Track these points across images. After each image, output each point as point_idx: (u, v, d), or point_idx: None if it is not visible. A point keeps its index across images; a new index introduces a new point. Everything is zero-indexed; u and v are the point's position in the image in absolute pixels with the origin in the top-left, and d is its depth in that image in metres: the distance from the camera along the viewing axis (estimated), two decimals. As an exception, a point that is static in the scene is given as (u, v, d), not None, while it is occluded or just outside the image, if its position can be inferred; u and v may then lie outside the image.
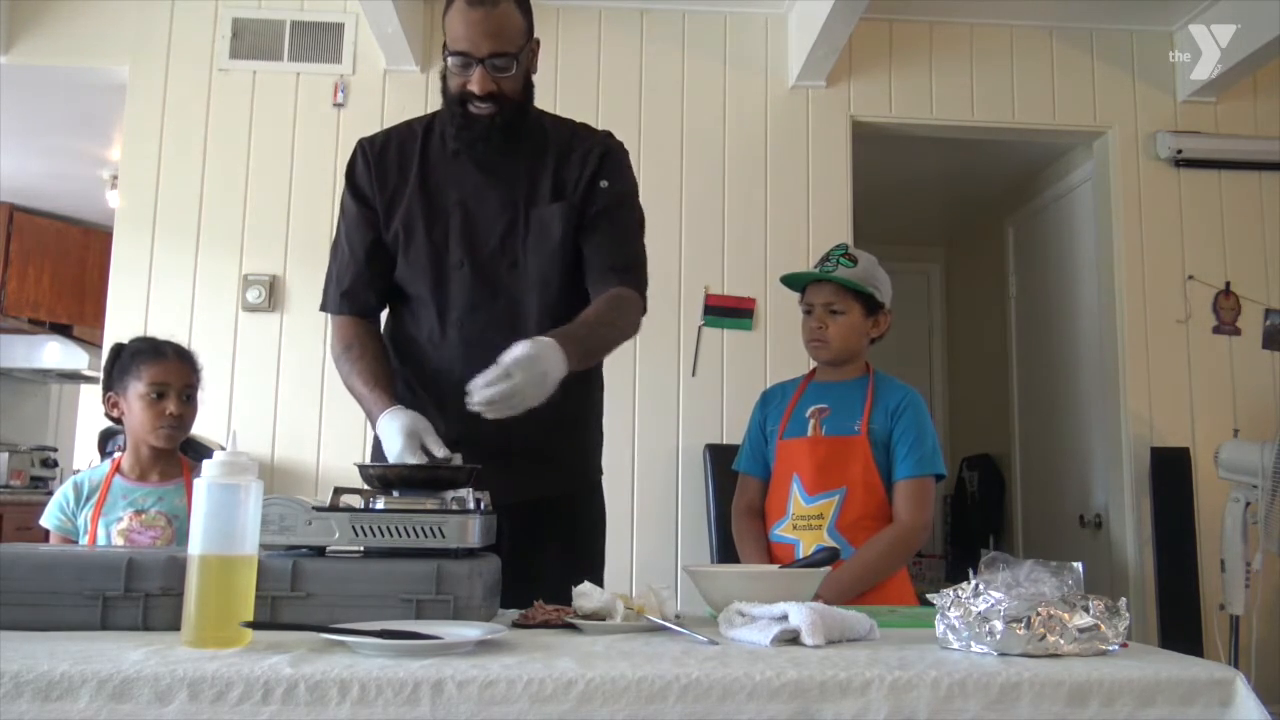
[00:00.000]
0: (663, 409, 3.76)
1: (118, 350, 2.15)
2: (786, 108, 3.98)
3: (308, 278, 3.66)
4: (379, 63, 3.88)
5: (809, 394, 2.15)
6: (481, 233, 1.77)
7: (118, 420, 2.14)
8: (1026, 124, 4.07)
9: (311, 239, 3.67)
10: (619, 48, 3.97)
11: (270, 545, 1.26)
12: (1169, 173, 4.04)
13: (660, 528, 3.71)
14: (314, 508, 1.28)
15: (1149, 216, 4.02)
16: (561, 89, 3.73)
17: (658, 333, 3.61)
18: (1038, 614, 1.09)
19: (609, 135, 1.88)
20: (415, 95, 3.84)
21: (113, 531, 2.04)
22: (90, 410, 3.94)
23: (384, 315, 1.91)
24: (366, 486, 1.41)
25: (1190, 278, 3.97)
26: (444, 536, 1.28)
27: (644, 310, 1.83)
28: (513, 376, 1.47)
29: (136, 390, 2.07)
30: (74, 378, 5.93)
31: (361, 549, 1.29)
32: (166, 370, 2.08)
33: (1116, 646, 1.12)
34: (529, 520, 1.76)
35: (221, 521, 1.09)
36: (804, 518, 2.02)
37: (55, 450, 5.80)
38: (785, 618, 1.18)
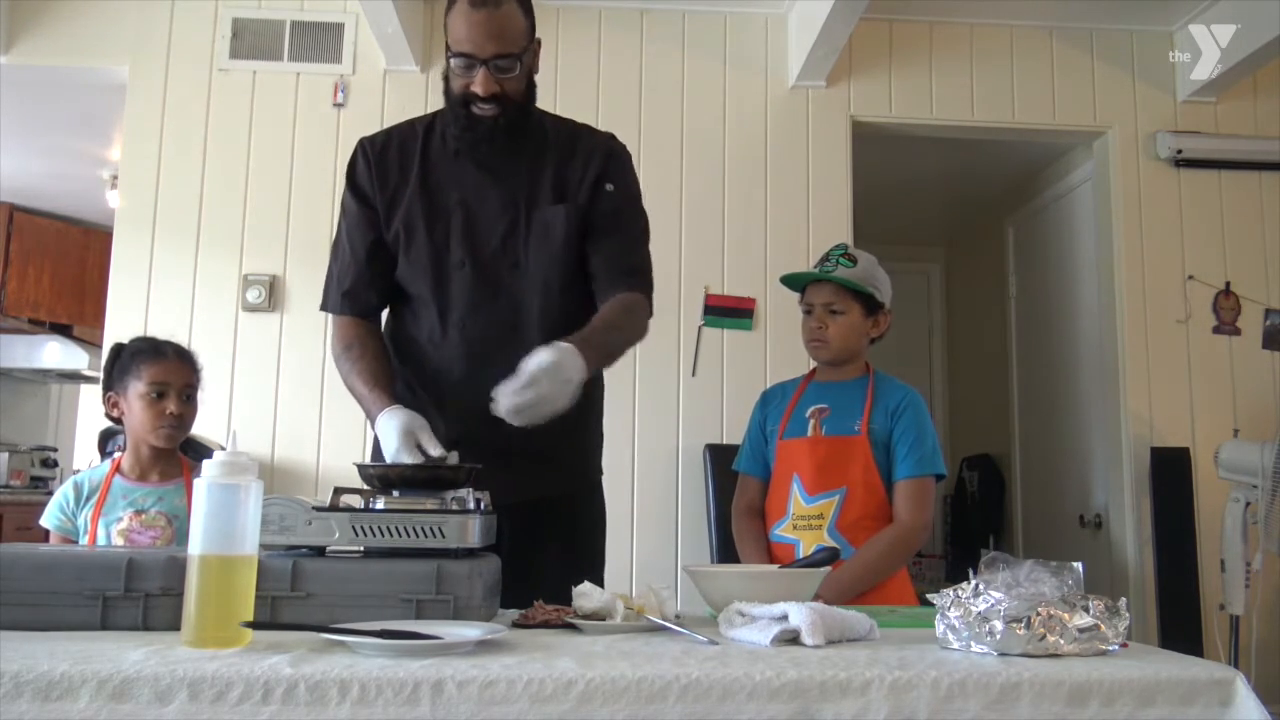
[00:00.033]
0: (663, 409, 3.76)
1: (118, 350, 2.15)
2: (786, 108, 3.98)
3: (308, 278, 3.66)
4: (379, 63, 3.88)
5: (809, 394, 2.15)
6: (483, 233, 1.77)
7: (118, 420, 2.14)
8: (1026, 124, 4.07)
9: (311, 239, 3.67)
10: (619, 48, 3.97)
11: (270, 545, 1.26)
12: (1169, 173, 4.04)
13: (660, 528, 3.71)
14: (314, 508, 1.28)
15: (1149, 216, 4.02)
16: (561, 89, 3.73)
17: (658, 333, 3.55)
18: (1038, 614, 1.09)
19: (611, 137, 1.88)
20: (415, 95, 3.84)
21: (113, 531, 2.04)
22: (90, 410, 3.94)
23: (384, 315, 1.91)
24: (367, 486, 1.41)
25: (1190, 278, 3.97)
26: (444, 536, 1.28)
27: (650, 314, 1.84)
28: (538, 384, 1.48)
29: (136, 390, 2.07)
30: (74, 378, 5.93)
31: (361, 549, 1.29)
32: (166, 370, 2.08)
33: (1116, 646, 1.12)
34: (529, 520, 1.76)
35: (221, 521, 1.09)
36: (804, 518, 2.02)
37: (55, 450, 5.80)
38: (785, 618, 1.18)
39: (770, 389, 2.27)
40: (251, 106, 3.86)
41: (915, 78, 4.03)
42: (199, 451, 2.24)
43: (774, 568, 1.76)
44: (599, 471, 1.95)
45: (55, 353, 5.74)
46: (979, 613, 1.11)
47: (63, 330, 5.86)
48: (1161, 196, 4.03)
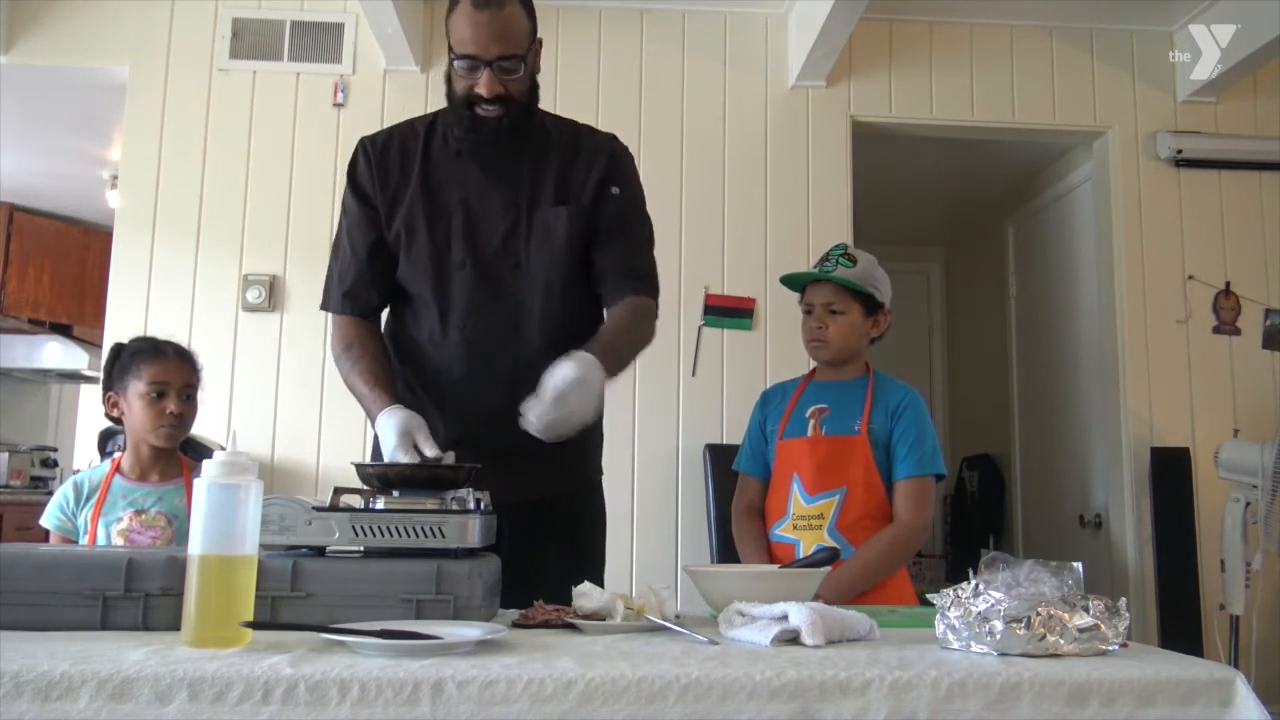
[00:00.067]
0: (663, 409, 3.76)
1: (118, 350, 2.16)
2: (786, 108, 3.98)
3: (308, 278, 3.66)
4: (379, 63, 3.88)
5: (809, 394, 2.15)
6: (484, 233, 1.77)
7: (118, 420, 2.14)
8: (1026, 124, 4.07)
9: (311, 239, 3.67)
10: (619, 48, 3.97)
11: (270, 545, 1.26)
12: (1169, 173, 4.04)
13: (660, 528, 3.71)
14: (314, 508, 1.28)
15: (1149, 216, 4.02)
16: (561, 89, 3.73)
17: (658, 333, 3.60)
18: (1038, 614, 1.09)
19: (613, 138, 1.88)
20: (415, 95, 3.84)
21: (113, 531, 2.04)
22: (90, 410, 3.94)
23: (385, 315, 1.91)
24: (366, 486, 1.41)
25: (1190, 278, 3.97)
26: (444, 536, 1.28)
27: (657, 317, 1.85)
28: (567, 400, 1.49)
29: (137, 390, 2.07)
30: (74, 378, 5.93)
31: (361, 549, 1.29)
32: (166, 369, 2.08)
33: (1116, 646, 1.12)
34: (529, 520, 1.76)
35: (221, 521, 1.09)
36: (804, 518, 2.02)
37: (55, 450, 5.80)
38: (785, 618, 1.18)
39: (770, 389, 2.27)
40: (251, 106, 3.86)
41: (915, 78, 4.03)
42: (199, 451, 2.24)
43: (774, 568, 1.76)
44: (599, 471, 1.95)
45: (55, 353, 5.74)
46: (979, 613, 1.11)
47: (63, 330, 5.86)
48: (1161, 196, 4.03)
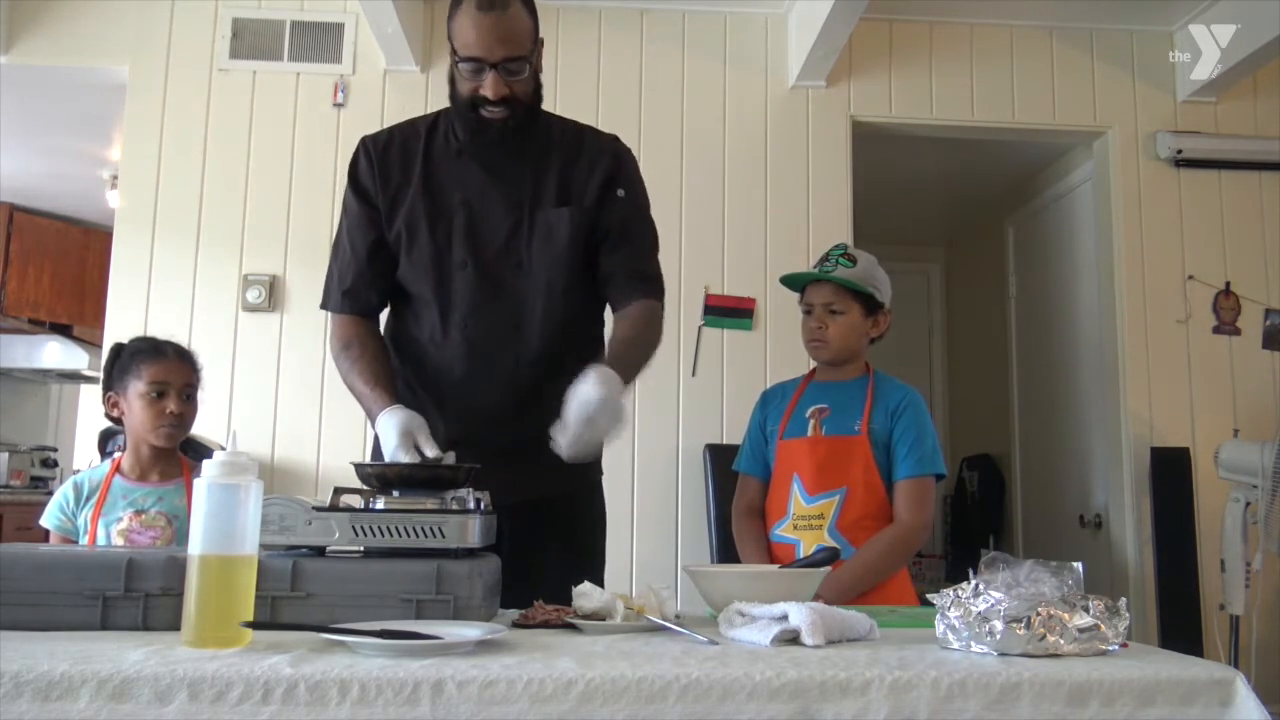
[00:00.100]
0: (663, 409, 3.76)
1: (118, 350, 2.16)
2: (786, 108, 3.98)
3: (308, 278, 3.66)
4: (379, 63, 3.88)
5: (809, 394, 2.15)
6: (486, 233, 1.77)
7: (118, 420, 2.14)
8: (1026, 124, 4.07)
9: (311, 239, 3.67)
10: (619, 48, 3.97)
11: (270, 545, 1.26)
12: (1169, 173, 4.04)
13: (660, 528, 3.71)
14: (314, 508, 1.28)
15: (1149, 216, 4.02)
16: (561, 89, 3.72)
17: (658, 333, 3.61)
18: (1038, 614, 1.09)
19: (616, 140, 1.88)
20: (415, 95, 3.84)
21: (112, 531, 2.04)
22: (90, 410, 3.94)
23: (384, 314, 1.91)
24: (366, 486, 1.42)
25: (1190, 278, 3.97)
26: (444, 536, 1.28)
27: (663, 319, 1.86)
28: (595, 423, 1.50)
29: (137, 389, 2.07)
30: (74, 378, 5.93)
31: (361, 549, 1.29)
32: (166, 369, 2.08)
33: (1116, 646, 1.12)
34: (529, 520, 1.76)
35: (221, 521, 1.09)
36: (804, 518, 2.02)
37: (55, 450, 5.80)
38: (785, 618, 1.18)
39: (770, 389, 2.27)
40: (251, 106, 3.86)
41: (915, 78, 4.03)
42: (199, 451, 2.24)
43: (774, 568, 1.76)
44: (599, 471, 1.95)
45: (55, 353, 5.74)
46: (979, 613, 1.11)
47: (63, 330, 5.86)
48: (1161, 196, 4.03)
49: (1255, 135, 4.04)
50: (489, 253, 1.76)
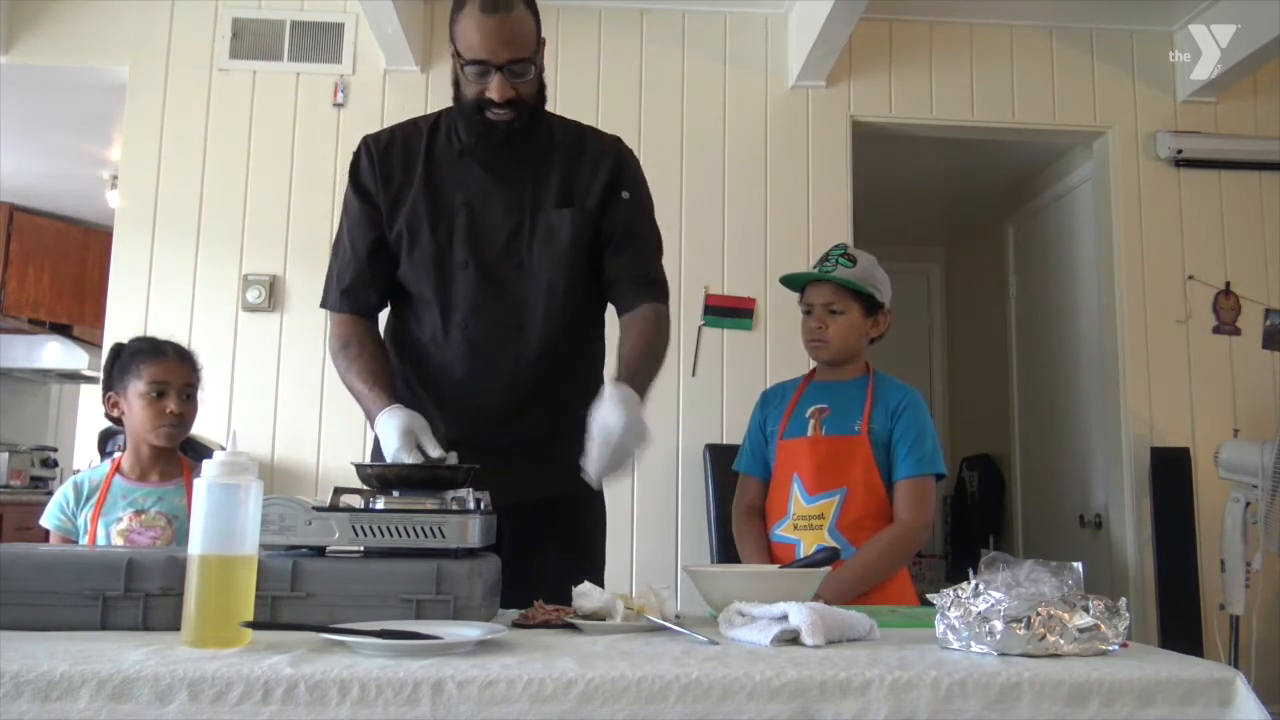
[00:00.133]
0: (663, 409, 3.75)
1: (118, 350, 2.16)
2: (786, 108, 3.98)
3: (308, 278, 3.66)
4: (379, 63, 3.88)
5: (809, 394, 2.15)
6: (487, 234, 1.76)
7: (118, 420, 2.14)
8: (1026, 124, 4.07)
9: (311, 239, 3.67)
10: (619, 48, 3.97)
11: (270, 545, 1.26)
12: (1169, 173, 4.04)
13: (660, 528, 3.71)
14: (314, 508, 1.28)
15: (1149, 216, 4.02)
16: (561, 89, 3.72)
17: (658, 333, 3.60)
18: (1038, 614, 1.09)
19: (619, 141, 1.88)
20: (415, 95, 3.84)
21: (112, 532, 2.04)
22: (90, 410, 3.94)
23: (384, 314, 1.91)
24: (366, 486, 1.41)
25: (1190, 278, 3.97)
26: (444, 536, 1.28)
27: (670, 323, 1.87)
28: (623, 447, 1.53)
29: (137, 389, 2.07)
30: (74, 378, 5.93)
31: (361, 549, 1.29)
32: (166, 369, 2.08)
33: (1116, 646, 1.12)
34: (529, 520, 1.76)
35: (221, 521, 1.09)
36: (805, 518, 2.02)
37: (55, 450, 5.80)
38: (785, 618, 1.17)
39: (770, 389, 2.27)
40: (251, 106, 3.86)
41: (915, 78, 4.03)
42: (199, 451, 2.24)
43: (774, 568, 1.76)
44: (599, 471, 1.95)
45: (55, 353, 5.74)
46: (979, 613, 1.11)
47: (63, 330, 5.86)
48: (1161, 196, 4.03)
49: (1255, 135, 4.04)
50: (490, 253, 1.76)
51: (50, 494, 2.41)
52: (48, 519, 2.10)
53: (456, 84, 1.72)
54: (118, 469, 2.10)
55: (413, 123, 1.86)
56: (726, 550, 3.18)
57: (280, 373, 3.72)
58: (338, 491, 1.33)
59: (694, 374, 3.79)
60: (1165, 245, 3.99)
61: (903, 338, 5.10)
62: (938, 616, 1.16)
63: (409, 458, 1.53)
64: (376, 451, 1.75)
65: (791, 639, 1.15)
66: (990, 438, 5.43)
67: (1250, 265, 4.00)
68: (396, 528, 1.28)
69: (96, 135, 4.71)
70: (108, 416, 2.17)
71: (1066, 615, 1.10)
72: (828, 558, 1.52)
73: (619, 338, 1.80)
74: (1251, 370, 3.94)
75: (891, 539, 1.98)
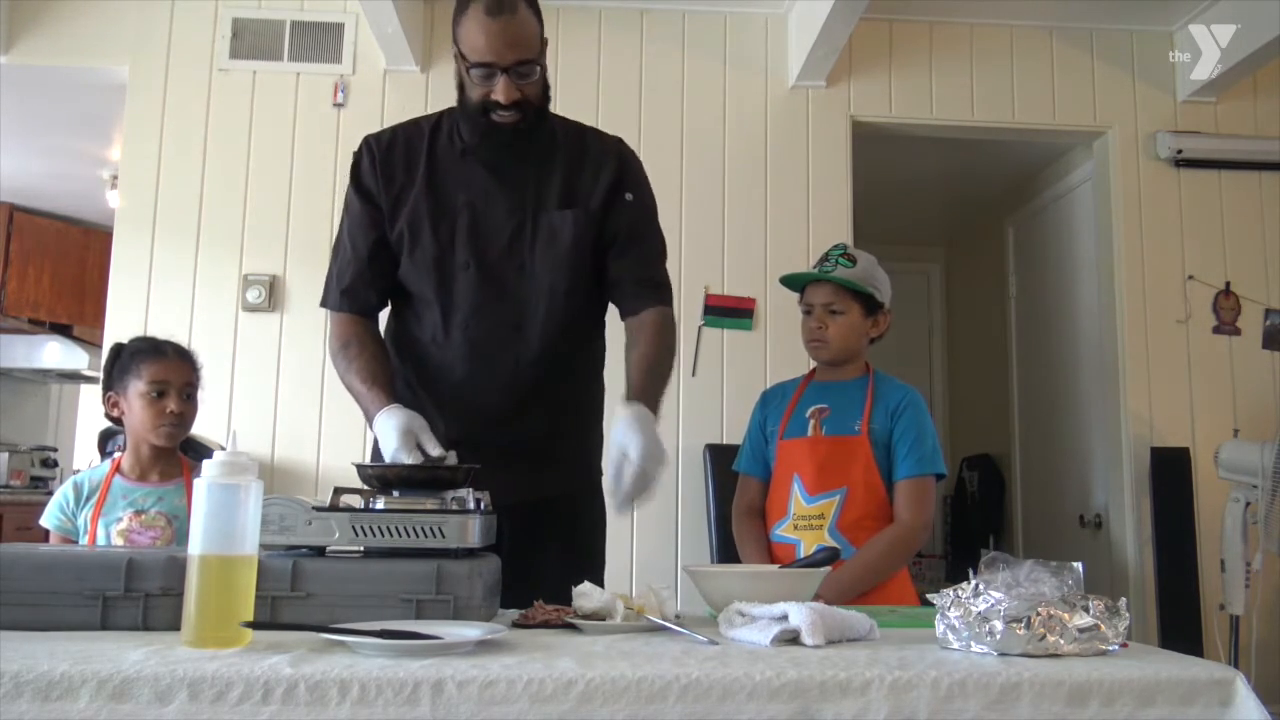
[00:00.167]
0: (663, 409, 3.74)
1: (118, 350, 2.16)
2: (786, 108, 3.98)
3: (308, 278, 3.66)
4: (379, 63, 3.88)
5: (809, 394, 2.15)
6: (489, 235, 1.76)
7: (118, 420, 2.14)
8: (1026, 124, 4.07)
9: (311, 239, 3.67)
10: (619, 48, 3.97)
11: (270, 545, 1.26)
12: (1169, 173, 4.04)
13: (660, 528, 3.71)
14: (314, 508, 1.28)
15: (1149, 216, 4.02)
16: (561, 89, 3.68)
17: (658, 333, 3.60)
18: (1038, 614, 1.09)
19: (621, 142, 1.88)
20: (415, 95, 3.84)
21: (112, 532, 2.04)
22: (90, 410, 3.94)
23: (385, 314, 1.91)
24: (366, 486, 1.41)
25: (1190, 278, 3.97)
26: (444, 536, 1.28)
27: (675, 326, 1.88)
28: (645, 474, 1.54)
29: (137, 389, 2.07)
30: (74, 378, 5.93)
31: (361, 549, 1.29)
32: (167, 369, 2.08)
33: (1116, 646, 1.12)
34: (529, 520, 1.76)
35: (221, 521, 1.09)
36: (805, 518, 2.02)
37: (55, 450, 5.80)
38: (785, 618, 1.18)
39: (770, 389, 2.27)
40: (251, 106, 3.86)
41: (915, 78, 4.03)
42: (199, 451, 2.24)
43: (774, 568, 1.76)
44: (599, 472, 1.94)
45: (55, 353, 5.74)
46: (979, 613, 1.11)
47: (63, 330, 5.86)
48: (1161, 196, 4.03)
49: (1255, 135, 4.04)
50: (492, 254, 1.76)
51: (50, 494, 2.41)
52: (48, 519, 2.10)
53: (461, 86, 1.71)
54: (118, 469, 2.10)
55: (414, 123, 1.85)
56: (726, 550, 3.18)
57: (280, 373, 3.72)
58: (338, 491, 1.33)
59: (694, 374, 3.79)
60: (1165, 245, 3.99)
61: (903, 338, 5.10)
62: (938, 616, 1.16)
63: (408, 457, 1.53)
64: (376, 452, 1.74)
65: (791, 639, 1.15)
66: (990, 438, 5.43)
67: (1250, 265, 3.99)
68: (396, 528, 1.28)
69: (96, 135, 4.71)
70: (108, 416, 2.17)
71: (1066, 615, 1.10)
72: (828, 558, 1.52)
73: (626, 345, 1.80)
74: (1251, 370, 3.94)
75: (891, 539, 1.98)
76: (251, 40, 3.87)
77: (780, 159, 3.94)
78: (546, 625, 1.29)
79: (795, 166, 3.94)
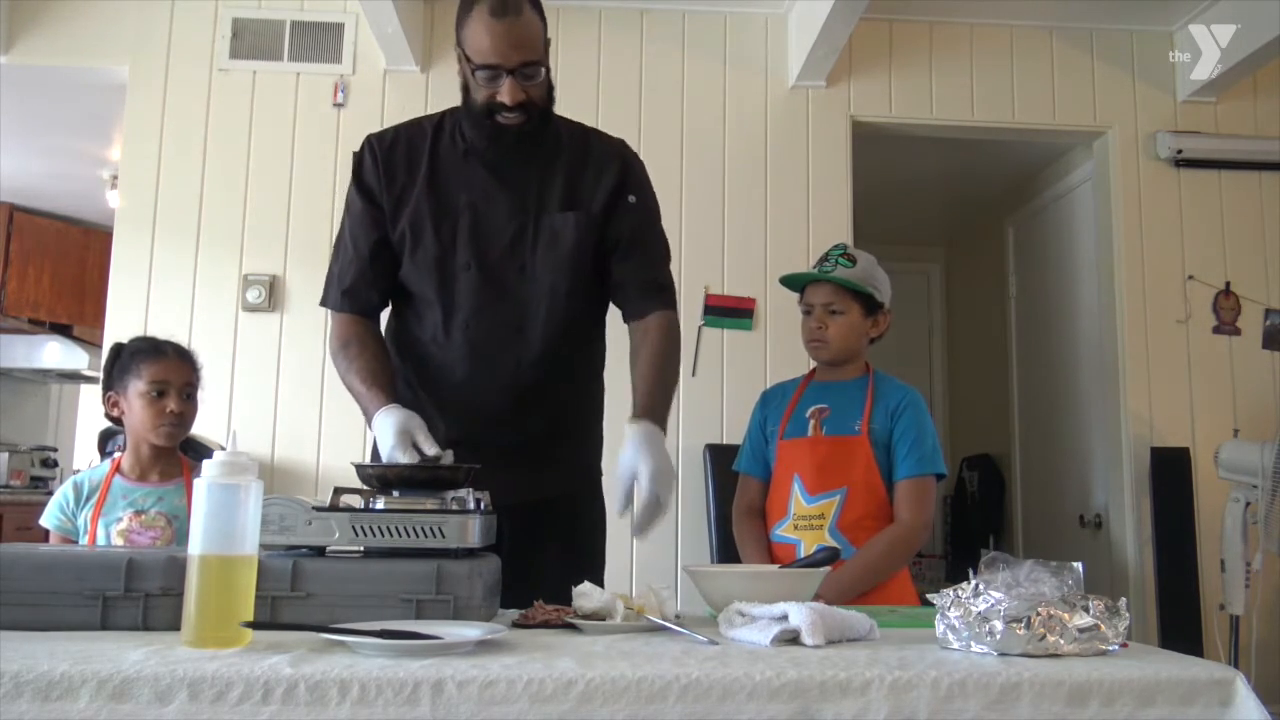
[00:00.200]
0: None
1: (118, 350, 2.16)
2: (786, 108, 3.98)
3: (308, 278, 3.66)
4: (379, 63, 3.88)
5: (809, 394, 2.15)
6: (490, 236, 1.76)
7: (118, 420, 2.14)
8: (1026, 124, 4.07)
9: (311, 239, 3.67)
10: (619, 48, 3.97)
11: (270, 545, 1.26)
12: (1169, 173, 4.04)
13: (660, 528, 3.69)
14: (314, 508, 1.28)
15: (1149, 216, 4.02)
16: (562, 89, 3.64)
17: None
18: (1038, 614, 1.09)
19: (624, 144, 1.88)
20: (415, 95, 3.84)
21: (112, 532, 2.04)
22: (90, 410, 3.94)
23: (386, 314, 1.91)
24: (366, 486, 1.41)
25: (1190, 278, 3.97)
26: (444, 536, 1.28)
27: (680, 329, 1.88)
28: (662, 500, 1.56)
29: (137, 389, 2.07)
30: (74, 378, 5.93)
31: (361, 549, 1.29)
32: (167, 368, 2.08)
33: (1116, 646, 1.12)
34: (529, 520, 1.76)
35: (221, 521, 1.09)
36: (805, 518, 2.02)
37: (55, 450, 5.80)
38: (785, 618, 1.17)
39: (770, 389, 2.27)
40: (251, 106, 3.86)
41: (915, 78, 4.03)
42: (199, 451, 2.24)
43: (774, 568, 1.75)
44: (599, 472, 1.95)
45: (55, 353, 5.74)
46: (979, 613, 1.11)
47: (63, 330, 5.86)
48: (1161, 196, 4.03)
49: (1255, 135, 4.04)
50: (493, 255, 1.76)
51: (50, 494, 2.41)
52: (47, 519, 2.10)
53: (465, 88, 1.71)
54: (118, 469, 2.10)
55: (417, 122, 1.85)
56: (726, 550, 3.18)
57: (280, 373, 3.72)
58: (338, 491, 1.33)
59: (694, 374, 3.79)
60: (1165, 245, 3.99)
61: (903, 338, 5.10)
62: (938, 616, 1.16)
63: (404, 457, 1.52)
64: (376, 452, 1.74)
65: (791, 639, 1.15)
66: (990, 438, 5.43)
67: (1250, 265, 4.00)
68: (396, 528, 1.28)
69: (96, 135, 4.71)
70: (108, 416, 2.17)
71: (1066, 615, 1.10)
72: (828, 558, 1.52)
73: (631, 350, 1.80)
74: (1251, 370, 3.94)
75: (892, 539, 1.98)
76: (251, 40, 3.87)
77: (780, 159, 3.94)
78: (546, 625, 1.29)
79: (795, 166, 3.94)
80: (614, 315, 1.90)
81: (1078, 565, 1.15)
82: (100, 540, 2.04)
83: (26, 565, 1.21)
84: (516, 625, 1.29)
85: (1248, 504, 3.32)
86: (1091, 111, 4.07)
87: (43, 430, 6.30)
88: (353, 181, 1.82)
